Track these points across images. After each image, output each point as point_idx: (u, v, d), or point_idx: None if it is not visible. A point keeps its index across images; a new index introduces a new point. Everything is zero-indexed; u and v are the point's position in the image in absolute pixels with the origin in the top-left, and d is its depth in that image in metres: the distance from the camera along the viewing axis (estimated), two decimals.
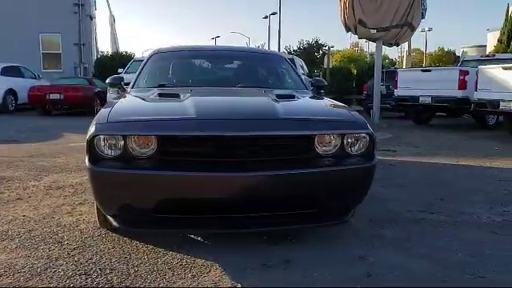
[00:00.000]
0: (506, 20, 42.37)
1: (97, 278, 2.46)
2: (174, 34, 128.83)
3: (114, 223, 2.75)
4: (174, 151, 2.64)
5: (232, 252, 2.79)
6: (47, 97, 13.49)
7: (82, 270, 2.54)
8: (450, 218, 3.55)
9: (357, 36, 11.75)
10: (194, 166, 2.60)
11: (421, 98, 10.77)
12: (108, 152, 2.61)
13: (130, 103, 3.26)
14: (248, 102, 3.27)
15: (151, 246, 2.88)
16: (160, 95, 3.31)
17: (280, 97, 3.29)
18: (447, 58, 59.95)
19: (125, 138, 2.59)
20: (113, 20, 37.82)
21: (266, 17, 33.68)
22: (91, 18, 20.00)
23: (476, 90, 9.08)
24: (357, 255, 2.79)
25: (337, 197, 2.81)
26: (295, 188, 2.69)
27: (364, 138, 2.81)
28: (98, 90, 14.27)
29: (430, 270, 2.59)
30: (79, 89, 13.71)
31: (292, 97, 3.44)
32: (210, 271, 2.55)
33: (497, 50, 38.67)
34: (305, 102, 3.47)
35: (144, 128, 2.63)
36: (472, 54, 58.27)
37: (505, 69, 8.52)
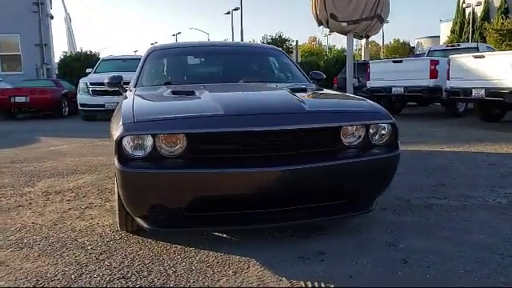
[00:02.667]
0: (457, 11, 44.08)
1: (137, 280, 2.41)
2: (133, 31, 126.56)
3: (144, 224, 2.69)
4: (204, 148, 2.61)
5: (264, 247, 2.78)
6: (12, 100, 12.95)
7: (119, 274, 2.49)
8: (458, 203, 3.67)
9: (328, 29, 11.89)
10: (228, 162, 2.57)
11: (393, 89, 11.02)
12: (137, 152, 2.55)
13: (149, 102, 3.18)
14: (270, 96, 3.27)
15: (180, 246, 2.84)
16: (174, 93, 3.25)
17: (294, 90, 3.30)
18: (403, 50, 61.69)
19: (154, 137, 2.53)
20: (69, 19, 36.75)
21: (228, 12, 33.68)
22: (51, 18, 19.30)
23: (448, 79, 9.38)
24: (386, 242, 2.85)
25: (364, 187, 2.86)
26: (326, 180, 2.71)
27: (388, 127, 2.86)
28: (65, 91, 13.83)
29: (459, 252, 2.68)
30: (46, 91, 13.22)
31: (305, 90, 3.46)
32: (249, 267, 2.54)
33: (450, 41, 40.10)
34: (322, 95, 3.49)
35: (174, 126, 2.57)
36: (426, 44, 60.17)
37: (476, 57, 8.84)
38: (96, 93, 11.59)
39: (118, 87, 4.14)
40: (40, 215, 3.60)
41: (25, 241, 3.03)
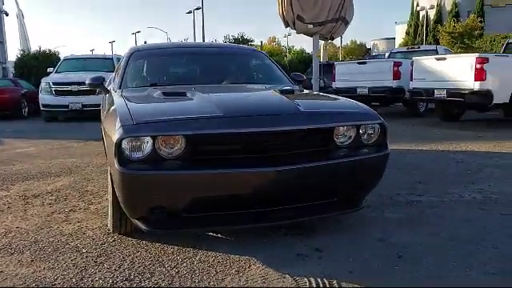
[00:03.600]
0: (412, 14, 45.63)
1: (141, 282, 2.41)
2: (88, 29, 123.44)
3: (142, 226, 2.69)
4: (202, 149, 2.63)
5: (261, 247, 2.83)
6: None
7: (121, 276, 2.48)
8: (437, 199, 3.85)
9: (295, 31, 12.03)
10: (227, 163, 2.61)
11: (358, 89, 11.31)
12: (137, 154, 2.54)
13: (145, 104, 3.16)
14: (265, 98, 3.33)
15: (177, 247, 2.85)
16: (165, 94, 3.25)
17: (283, 92, 3.38)
18: (359, 51, 63.18)
19: (154, 138, 2.54)
20: (22, 16, 35.46)
21: (189, 12, 33.40)
22: (6, 14, 18.58)
23: (411, 80, 9.72)
24: (378, 238, 2.97)
25: (356, 185, 2.97)
26: (321, 179, 2.79)
27: (377, 127, 2.98)
28: (24, 91, 13.38)
29: (447, 245, 2.82)
30: (4, 91, 12.74)
31: (292, 92, 3.53)
32: (250, 265, 2.59)
33: (405, 42, 41.50)
34: (311, 96, 3.58)
35: (174, 128, 2.58)
36: (382, 46, 61.57)
37: (438, 60, 9.21)
38: (59, 93, 11.31)
39: (99, 87, 4.07)
40: (23, 219, 3.51)
41: (13, 246, 2.96)
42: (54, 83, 11.44)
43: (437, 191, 4.08)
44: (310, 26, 11.75)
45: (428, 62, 9.43)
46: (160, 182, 2.57)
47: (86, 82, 4.14)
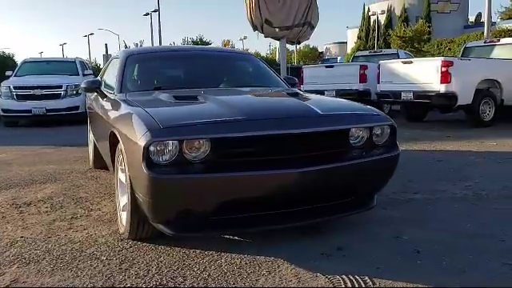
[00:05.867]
0: (363, 18, 46.96)
1: (176, 287, 2.40)
2: (33, 29, 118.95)
3: (167, 230, 2.68)
4: (227, 152, 2.65)
5: (281, 247, 2.87)
6: None
7: (153, 281, 2.46)
8: (432, 196, 4.03)
9: (263, 35, 12.18)
10: (255, 165, 2.64)
11: (326, 93, 11.52)
12: (164, 158, 2.54)
13: (161, 107, 3.13)
14: (281, 101, 3.38)
15: (199, 251, 2.85)
16: (177, 98, 3.24)
17: (289, 95, 3.45)
18: (312, 55, 64.29)
19: (181, 142, 2.54)
20: None
21: (147, 14, 32.98)
22: None
23: (379, 83, 10.05)
24: (390, 236, 3.08)
25: (371, 184, 3.08)
26: (341, 179, 2.88)
27: (388, 129, 3.11)
28: None
29: (458, 240, 2.97)
30: None
31: (297, 95, 3.61)
32: (279, 266, 2.62)
33: (357, 46, 42.64)
34: (319, 100, 3.66)
35: (200, 131, 2.60)
36: (334, 50, 62.66)
37: (404, 63, 9.58)
38: (21, 97, 10.89)
39: (96, 92, 3.99)
40: (24, 229, 3.38)
41: (26, 256, 2.85)
42: (15, 87, 11.01)
43: (429, 189, 4.26)
44: (277, 30, 11.94)
45: (395, 65, 9.79)
46: (188, 185, 2.58)
47: (82, 86, 4.05)
